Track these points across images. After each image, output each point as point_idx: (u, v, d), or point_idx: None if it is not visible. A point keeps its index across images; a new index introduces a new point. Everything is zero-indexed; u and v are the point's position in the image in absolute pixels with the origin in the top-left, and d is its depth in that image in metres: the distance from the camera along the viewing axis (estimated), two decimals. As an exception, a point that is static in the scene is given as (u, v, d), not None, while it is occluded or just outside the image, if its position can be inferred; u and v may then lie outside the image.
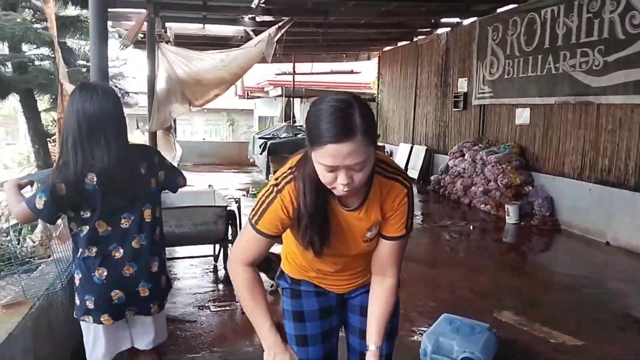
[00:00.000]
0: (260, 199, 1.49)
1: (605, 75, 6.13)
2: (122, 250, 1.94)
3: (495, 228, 7.06)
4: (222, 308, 3.93)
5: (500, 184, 7.65)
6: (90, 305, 1.93)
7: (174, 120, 9.60)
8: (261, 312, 1.53)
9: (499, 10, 8.46)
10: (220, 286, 4.45)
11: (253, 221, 1.49)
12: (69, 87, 4.11)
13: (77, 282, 1.97)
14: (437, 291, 4.40)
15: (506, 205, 7.21)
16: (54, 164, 1.92)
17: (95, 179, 1.85)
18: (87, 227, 1.89)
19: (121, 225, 1.94)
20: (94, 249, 1.90)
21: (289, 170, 1.47)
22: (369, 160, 1.32)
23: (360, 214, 1.50)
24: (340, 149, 1.25)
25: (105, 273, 1.92)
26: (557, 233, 6.77)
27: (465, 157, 8.76)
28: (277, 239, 1.54)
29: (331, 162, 1.28)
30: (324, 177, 1.33)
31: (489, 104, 8.77)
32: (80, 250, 1.92)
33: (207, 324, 3.64)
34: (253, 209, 1.50)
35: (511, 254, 6.18)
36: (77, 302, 1.97)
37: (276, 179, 1.48)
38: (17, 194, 1.98)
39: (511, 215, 7.09)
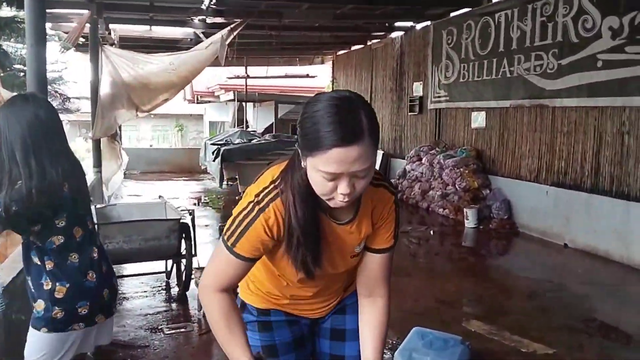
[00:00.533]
0: (238, 217, 1.30)
1: (559, 79, 6.20)
2: (96, 251, 2.00)
3: (454, 232, 7.03)
4: (177, 330, 3.62)
5: (458, 188, 7.64)
6: (83, 311, 1.90)
7: (119, 127, 9.12)
8: (238, 343, 1.31)
9: (452, 14, 8.49)
10: (174, 305, 4.13)
11: (230, 243, 1.30)
12: (4, 92, 3.78)
13: (58, 294, 1.86)
14: (402, 300, 4.26)
15: (465, 209, 7.20)
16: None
17: (67, 186, 1.87)
18: (63, 237, 1.88)
19: (88, 227, 2.00)
20: (76, 255, 1.91)
21: (272, 185, 1.29)
22: (373, 166, 1.18)
23: (352, 227, 1.36)
24: (347, 154, 1.10)
25: (95, 275, 1.95)
26: (515, 236, 6.80)
27: (423, 161, 8.72)
28: (256, 261, 1.36)
29: (335, 168, 1.11)
30: (322, 187, 1.17)
31: (444, 107, 8.78)
32: (56, 262, 1.87)
33: (160, 349, 3.32)
34: (228, 229, 1.31)
35: (472, 258, 6.14)
36: (59, 314, 1.87)
37: (257, 195, 1.29)
38: None
39: (470, 219, 7.08)
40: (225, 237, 1.30)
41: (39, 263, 1.87)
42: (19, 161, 1.78)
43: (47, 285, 1.85)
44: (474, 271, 5.45)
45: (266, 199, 1.27)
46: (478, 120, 7.91)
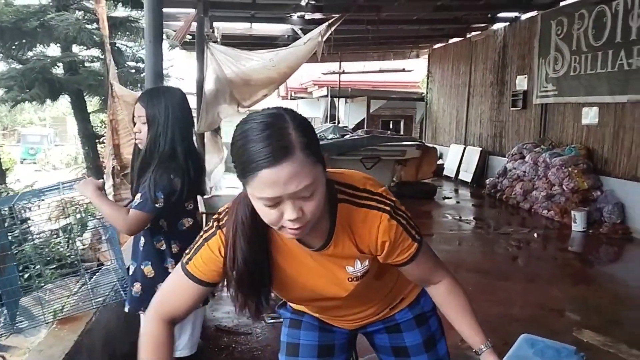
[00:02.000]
0: (200, 234, 1.21)
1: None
2: None
3: (560, 236, 6.59)
4: (278, 320, 3.70)
5: (565, 189, 7.15)
6: None
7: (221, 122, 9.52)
8: None
9: (562, 3, 7.95)
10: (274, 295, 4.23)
11: (184, 260, 1.20)
12: (118, 89, 4.02)
13: None
14: (506, 305, 4.06)
15: (572, 212, 6.71)
16: (155, 162, 1.86)
17: (191, 170, 1.92)
18: (191, 219, 1.96)
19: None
20: None
21: (221, 215, 1.20)
22: (319, 184, 1.03)
23: (328, 252, 1.20)
24: (278, 174, 0.97)
25: None
26: (629, 242, 6.25)
27: (526, 160, 8.27)
28: (211, 288, 1.22)
29: (271, 192, 0.99)
30: (268, 216, 1.04)
31: (552, 102, 8.25)
32: (181, 245, 1.91)
33: (263, 337, 3.41)
34: (189, 248, 1.23)
35: (580, 264, 5.72)
36: None
37: (219, 212, 1.20)
38: (108, 201, 1.95)
39: (578, 222, 6.60)
40: (184, 255, 1.22)
41: (163, 248, 1.94)
42: (179, 153, 1.86)
43: (172, 268, 1.90)
44: (583, 278, 5.07)
45: (224, 219, 1.18)
46: (590, 116, 7.35)
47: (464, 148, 11.23)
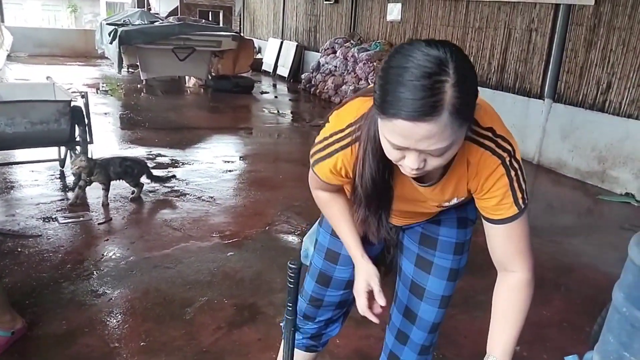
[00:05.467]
0: (320, 142, 1.18)
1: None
2: None
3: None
4: (73, 220, 3.40)
5: (370, 83, 7.61)
6: None
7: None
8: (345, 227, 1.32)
9: None
10: (70, 194, 3.85)
11: (312, 160, 1.23)
12: None
13: None
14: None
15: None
16: None
17: None
18: None
19: None
20: None
21: (348, 129, 1.12)
22: (454, 145, 0.93)
23: (436, 189, 1.15)
24: (413, 129, 0.87)
25: None
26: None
27: (337, 55, 8.53)
28: (334, 186, 1.28)
29: (400, 141, 0.91)
30: (389, 153, 0.98)
31: (361, -3, 8.48)
32: None
33: (55, 238, 3.11)
34: (314, 146, 1.20)
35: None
36: None
37: (341, 130, 1.13)
38: None
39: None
40: (311, 152, 1.23)
41: None
42: None
43: None
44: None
45: (348, 139, 1.12)
46: (394, 12, 7.74)
47: (281, 42, 11.15)
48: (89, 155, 3.68)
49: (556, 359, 2.01)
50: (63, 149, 4.26)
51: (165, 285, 2.63)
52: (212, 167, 4.79)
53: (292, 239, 3.34)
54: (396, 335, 1.45)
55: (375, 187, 1.12)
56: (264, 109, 8.30)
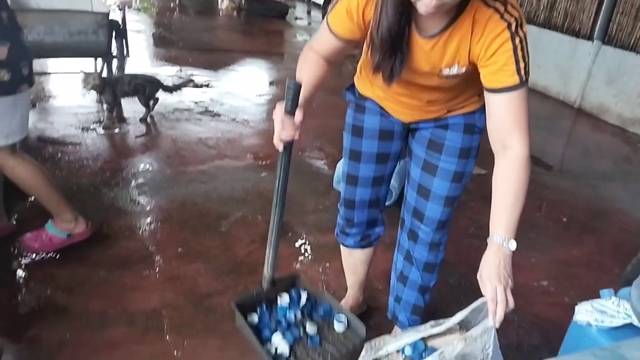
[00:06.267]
0: None
1: None
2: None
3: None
4: (111, 131, 3.45)
5: None
6: (26, 71, 1.88)
7: None
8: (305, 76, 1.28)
9: None
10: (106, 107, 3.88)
11: (329, 12, 1.26)
12: None
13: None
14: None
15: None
16: None
17: None
18: None
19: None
20: (6, 15, 1.81)
21: None
22: None
23: (438, 42, 1.17)
24: None
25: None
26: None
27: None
28: (349, 44, 1.28)
29: None
30: None
31: None
32: None
33: (94, 147, 3.18)
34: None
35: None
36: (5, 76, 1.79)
37: None
38: None
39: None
40: (329, 6, 1.27)
41: None
42: None
43: None
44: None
45: None
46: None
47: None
48: (120, 70, 3.66)
49: (583, 296, 2.02)
50: (99, 61, 4.27)
51: (200, 199, 2.69)
52: (245, 90, 4.76)
53: (323, 165, 3.35)
54: (408, 234, 1.59)
55: (392, 35, 1.14)
56: (297, 35, 8.11)
